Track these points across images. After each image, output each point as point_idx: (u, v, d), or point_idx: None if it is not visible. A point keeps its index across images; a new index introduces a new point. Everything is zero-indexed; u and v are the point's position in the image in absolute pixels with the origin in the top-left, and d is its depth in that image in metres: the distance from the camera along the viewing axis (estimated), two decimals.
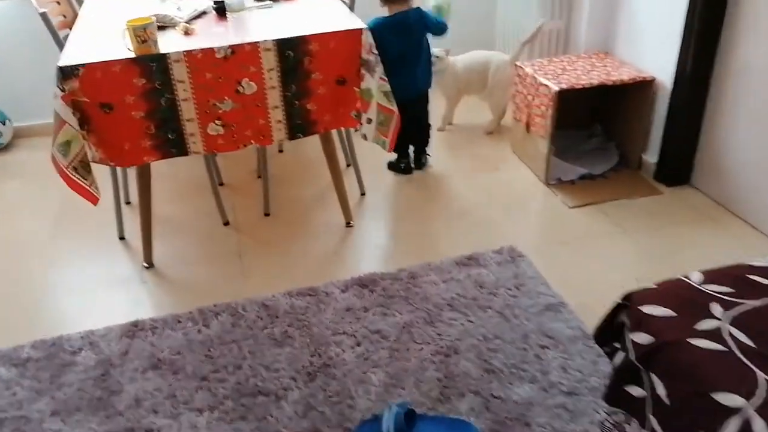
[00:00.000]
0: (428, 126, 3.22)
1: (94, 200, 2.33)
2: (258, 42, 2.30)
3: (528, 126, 3.12)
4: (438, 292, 2.35)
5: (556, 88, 2.84)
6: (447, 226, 2.78)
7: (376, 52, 2.43)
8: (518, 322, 2.17)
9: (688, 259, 2.46)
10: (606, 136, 3.30)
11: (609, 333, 1.56)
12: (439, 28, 2.99)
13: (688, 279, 1.51)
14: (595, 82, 2.87)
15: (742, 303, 1.39)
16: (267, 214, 2.96)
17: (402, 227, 2.82)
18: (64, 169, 2.23)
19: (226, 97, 2.36)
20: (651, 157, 3.03)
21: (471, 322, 2.20)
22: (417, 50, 2.98)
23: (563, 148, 3.12)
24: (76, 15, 2.83)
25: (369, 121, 2.48)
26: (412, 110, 2.95)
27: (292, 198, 3.10)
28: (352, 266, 2.57)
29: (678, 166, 2.93)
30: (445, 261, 2.51)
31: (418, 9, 2.95)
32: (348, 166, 3.22)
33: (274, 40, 2.31)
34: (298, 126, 2.48)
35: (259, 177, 3.25)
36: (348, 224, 2.83)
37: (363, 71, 2.42)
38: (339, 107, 2.51)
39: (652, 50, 2.93)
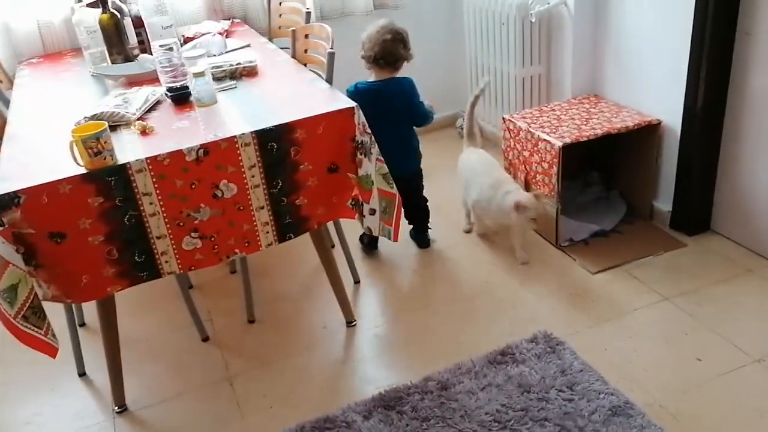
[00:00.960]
0: (423, 202, 2.89)
1: (53, 352, 1.88)
2: (235, 136, 1.93)
3: (528, 184, 2.83)
4: (479, 404, 1.99)
5: (559, 143, 2.57)
6: (463, 313, 2.44)
7: (370, 131, 2.09)
8: None
9: (743, 325, 2.20)
10: (605, 184, 3.05)
11: None
12: (421, 116, 2.68)
13: None
14: (600, 132, 2.62)
15: None
16: (251, 321, 2.54)
17: (412, 320, 2.45)
18: (12, 320, 1.78)
19: (202, 205, 1.96)
20: (664, 204, 2.80)
21: None
22: (387, 127, 2.42)
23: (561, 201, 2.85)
24: (4, 121, 2.36)
25: (373, 212, 2.13)
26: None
27: (277, 295, 2.70)
28: (367, 379, 2.19)
29: (697, 212, 2.71)
30: (476, 360, 2.17)
31: (405, 81, 2.64)
32: (332, 247, 2.85)
33: (253, 132, 1.94)
34: (288, 225, 2.10)
35: (233, 272, 2.83)
36: (350, 324, 2.45)
37: (359, 156, 2.07)
38: (332, 197, 2.15)
39: (653, 91, 2.71)
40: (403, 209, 2.30)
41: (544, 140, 2.64)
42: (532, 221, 2.57)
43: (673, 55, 2.55)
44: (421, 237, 2.89)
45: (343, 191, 2.15)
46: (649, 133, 2.70)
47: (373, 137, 2.08)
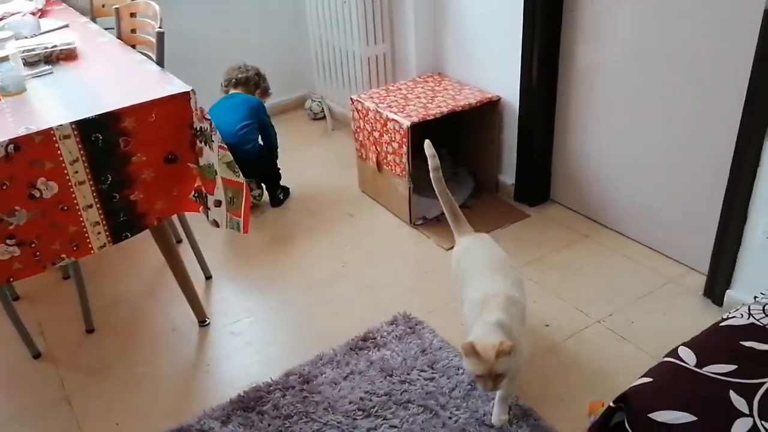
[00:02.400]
0: (271, 167, 2.99)
1: None
2: (52, 128, 1.70)
3: (379, 164, 2.82)
4: (342, 394, 1.95)
5: (407, 122, 2.56)
6: (321, 302, 2.38)
7: (209, 116, 1.94)
8: (448, 414, 1.86)
9: (584, 289, 2.33)
10: (453, 161, 3.11)
11: None
12: (267, 133, 2.95)
13: (681, 361, 1.30)
14: (446, 109, 2.65)
15: (757, 383, 1.20)
16: (90, 330, 2.31)
17: (269, 314, 2.35)
18: None
19: (16, 208, 1.72)
20: (507, 178, 2.90)
21: (396, 427, 1.83)
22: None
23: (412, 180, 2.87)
24: None
25: (218, 203, 1.99)
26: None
27: (117, 298, 2.47)
28: (223, 381, 2.06)
29: (537, 184, 2.83)
30: (337, 349, 2.12)
31: (255, 101, 2.92)
32: (179, 242, 2.66)
33: (73, 122, 1.73)
34: (123, 224, 1.92)
35: (66, 277, 2.56)
36: (202, 323, 2.30)
37: (199, 144, 1.92)
38: (172, 190, 1.98)
39: (491, 69, 2.78)
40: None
41: (393, 120, 2.62)
42: (487, 378, 1.58)
43: (507, 33, 2.63)
44: (273, 195, 3.01)
45: (184, 182, 1.99)
46: (490, 109, 2.78)
47: (213, 124, 1.94)
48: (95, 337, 2.29)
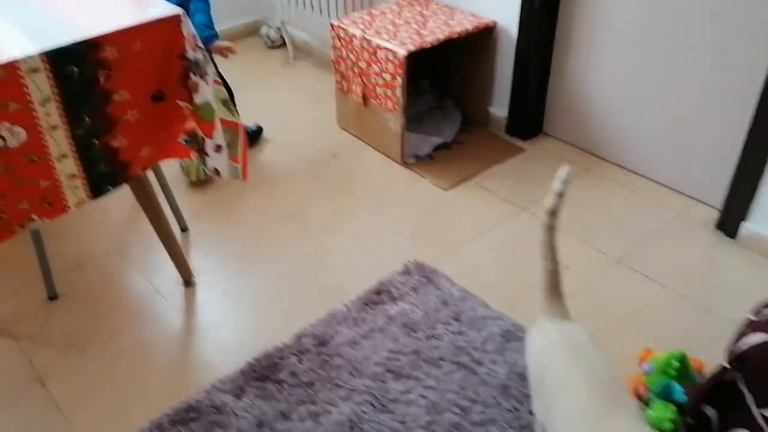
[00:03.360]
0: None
1: None
2: (16, 61, 1.37)
3: (366, 98, 2.57)
4: (365, 354, 1.78)
5: (403, 52, 2.31)
6: (318, 253, 2.17)
7: (203, 45, 1.64)
8: (486, 371, 1.72)
9: (596, 223, 2.22)
10: (436, 92, 2.90)
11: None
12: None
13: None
14: (441, 36, 2.41)
15: None
16: (53, 297, 2.01)
17: (262, 268, 2.12)
18: None
19: None
20: (499, 110, 2.72)
21: (432, 388, 1.68)
22: None
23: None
24: None
25: (218, 148, 1.71)
26: None
27: (80, 259, 2.16)
28: (226, 349, 1.84)
29: (532, 117, 2.67)
30: (349, 305, 1.93)
31: None
32: None
33: (43, 53, 1.39)
34: (104, 176, 1.61)
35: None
36: (188, 283, 2.05)
37: (193, 78, 1.61)
38: (159, 133, 1.68)
39: None
40: None
41: (385, 48, 2.36)
42: None
43: None
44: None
45: (173, 124, 1.70)
46: (483, 36, 2.56)
47: (206, 53, 1.64)
48: (61, 304, 2.00)
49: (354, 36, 2.48)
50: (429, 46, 2.37)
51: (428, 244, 2.18)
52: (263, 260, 2.14)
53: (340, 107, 2.76)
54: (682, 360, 1.53)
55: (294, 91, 3.12)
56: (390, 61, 2.36)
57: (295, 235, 2.24)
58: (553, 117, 2.66)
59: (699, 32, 2.07)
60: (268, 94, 3.08)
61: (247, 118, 2.63)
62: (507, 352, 1.77)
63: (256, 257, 2.16)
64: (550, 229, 1.44)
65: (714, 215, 2.21)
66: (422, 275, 2.02)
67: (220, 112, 1.69)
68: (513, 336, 1.81)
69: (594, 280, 2.02)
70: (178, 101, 1.65)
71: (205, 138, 1.68)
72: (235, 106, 1.78)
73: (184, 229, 2.26)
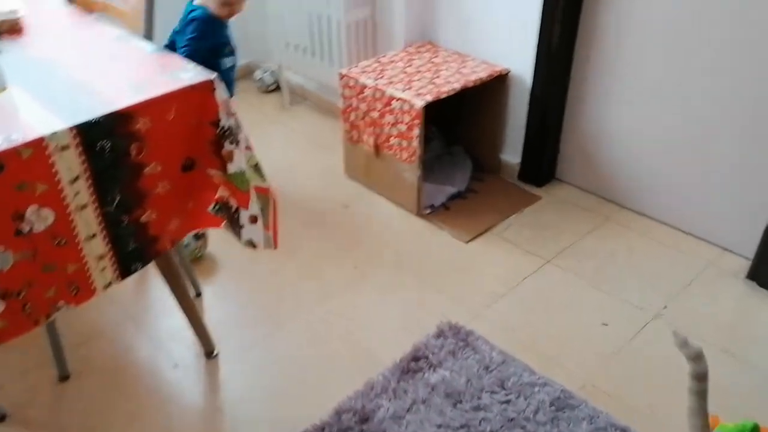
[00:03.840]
0: None
1: None
2: (44, 138, 1.25)
3: (378, 148, 2.49)
4: (413, 430, 1.67)
5: (420, 102, 2.25)
6: (343, 312, 2.06)
7: (234, 110, 1.54)
8: None
9: (626, 277, 2.16)
10: (444, 139, 2.84)
11: None
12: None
13: None
14: (458, 86, 2.35)
15: None
16: (65, 377, 1.85)
17: (287, 332, 2.00)
18: None
19: None
20: (511, 156, 2.67)
21: None
22: None
23: None
24: None
25: (254, 219, 1.59)
26: None
27: (92, 329, 2.01)
28: (259, 425, 1.71)
29: (546, 163, 2.63)
30: (386, 374, 1.82)
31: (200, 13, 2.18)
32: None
33: (73, 127, 1.28)
34: (133, 253, 1.49)
35: None
36: (210, 355, 1.91)
37: (228, 146, 1.51)
38: (187, 203, 1.57)
39: (497, 37, 2.50)
40: None
41: (401, 99, 2.30)
42: None
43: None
44: None
45: (202, 193, 1.58)
46: (496, 83, 2.51)
47: (237, 117, 1.54)
48: (73, 384, 1.84)
49: (365, 86, 2.40)
50: (446, 96, 2.31)
51: (457, 301, 2.09)
52: (286, 323, 2.02)
53: (348, 156, 2.68)
54: (755, 431, 1.47)
55: (295, 139, 3.03)
56: (406, 112, 2.29)
57: (316, 294, 2.13)
58: (567, 163, 2.63)
59: (721, 72, 2.06)
60: (269, 142, 2.98)
61: None
62: (561, 422, 1.68)
63: (279, 320, 2.04)
64: (701, 394, 1.37)
65: (744, 264, 2.19)
66: (458, 338, 1.93)
67: (254, 179, 1.58)
68: (564, 404, 1.72)
69: (635, 337, 1.96)
70: (209, 169, 1.54)
71: (240, 208, 1.57)
72: None
73: (198, 293, 2.13)
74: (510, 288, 2.14)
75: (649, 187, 2.40)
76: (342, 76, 2.49)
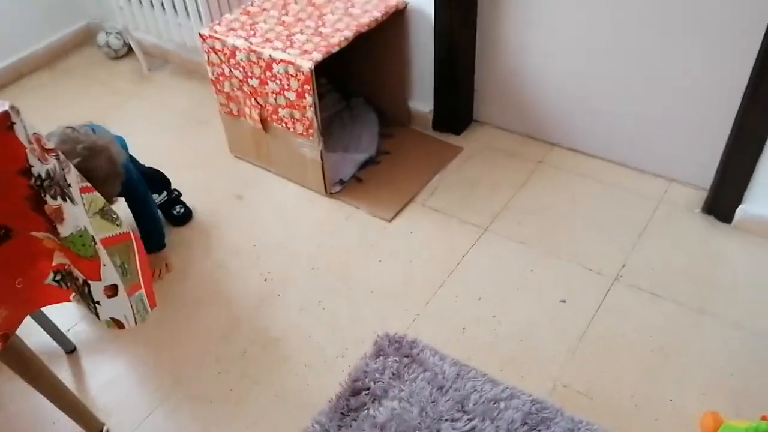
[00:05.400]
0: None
1: None
2: None
3: (264, 122, 2.04)
4: None
5: (308, 64, 1.80)
6: (260, 343, 1.68)
7: (55, 147, 1.07)
8: None
9: (574, 233, 1.89)
10: (339, 90, 2.41)
11: None
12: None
13: None
14: (349, 33, 1.91)
15: None
16: None
17: (191, 386, 1.61)
18: None
19: None
20: (421, 104, 2.29)
21: None
22: None
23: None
24: None
25: (111, 291, 1.15)
26: None
27: None
28: None
29: (462, 107, 2.28)
30: (322, 419, 1.48)
31: None
32: None
33: None
34: None
35: None
36: None
37: (51, 202, 1.05)
38: (13, 283, 1.11)
39: None
40: None
41: (283, 61, 1.84)
42: None
43: None
44: (169, 215, 2.06)
45: (32, 264, 1.12)
46: (392, 20, 2.09)
47: (62, 156, 1.07)
48: None
49: (237, 48, 1.92)
50: (338, 49, 1.87)
51: (391, 302, 1.76)
52: (187, 373, 1.63)
53: (230, 133, 2.21)
54: None
55: (162, 115, 2.50)
56: (292, 76, 1.84)
57: (221, 324, 1.74)
58: (485, 102, 2.28)
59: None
60: (128, 124, 2.44)
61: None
62: None
63: (177, 369, 1.64)
64: None
65: (695, 196, 1.96)
66: (401, 353, 1.61)
67: (101, 231, 1.14)
68: (537, 419, 1.45)
69: (599, 312, 1.70)
70: (32, 233, 1.08)
71: (89, 281, 1.13)
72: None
73: (69, 350, 1.69)
74: (448, 272, 1.83)
75: (580, 120, 2.11)
76: (204, 38, 1.99)
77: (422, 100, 2.28)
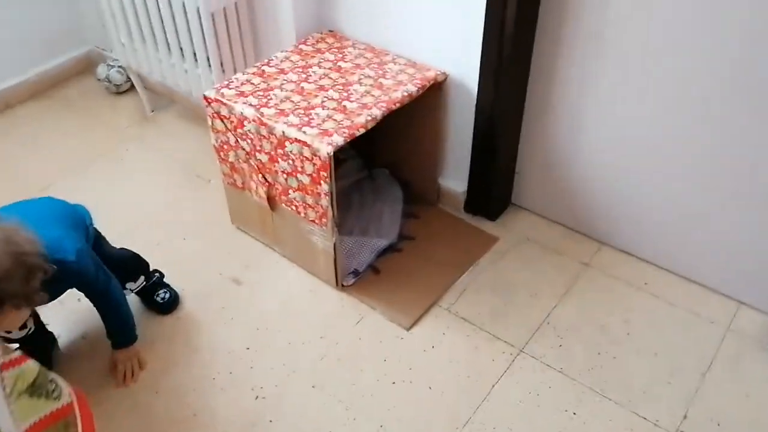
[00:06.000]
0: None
1: None
2: None
3: (272, 201, 1.76)
4: None
5: (327, 148, 1.52)
6: None
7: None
8: None
9: (625, 364, 1.59)
10: (361, 157, 2.13)
11: None
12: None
13: None
14: (378, 112, 1.62)
15: None
16: None
17: None
18: None
19: None
20: (453, 182, 2.00)
21: None
22: None
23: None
24: None
25: None
26: None
27: None
28: None
29: (500, 189, 1.99)
30: None
31: None
32: None
33: None
34: None
35: None
36: None
37: None
38: None
39: (426, 26, 1.77)
40: None
41: (298, 141, 1.56)
42: None
43: None
44: (151, 301, 1.76)
45: None
46: (430, 92, 1.80)
47: None
48: None
49: (245, 117, 1.64)
50: (362, 131, 1.59)
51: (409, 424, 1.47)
52: None
53: (233, 203, 1.94)
54: None
55: (161, 164, 2.23)
56: (307, 159, 1.56)
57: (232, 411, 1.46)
58: (527, 185, 1.99)
59: (749, 62, 1.45)
60: (122, 171, 2.18)
61: (104, 219, 1.64)
62: None
63: None
64: None
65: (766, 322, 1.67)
66: None
67: (31, 415, 0.87)
68: None
69: None
70: None
71: None
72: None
73: None
74: (474, 407, 1.53)
75: (636, 218, 1.81)
76: (209, 101, 1.71)
77: (455, 178, 1.99)
